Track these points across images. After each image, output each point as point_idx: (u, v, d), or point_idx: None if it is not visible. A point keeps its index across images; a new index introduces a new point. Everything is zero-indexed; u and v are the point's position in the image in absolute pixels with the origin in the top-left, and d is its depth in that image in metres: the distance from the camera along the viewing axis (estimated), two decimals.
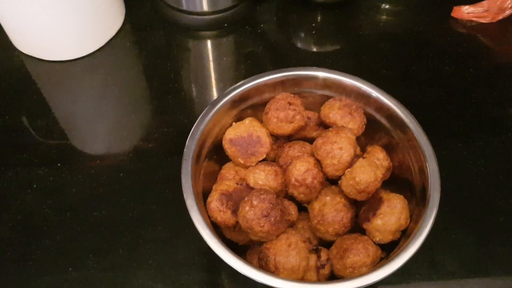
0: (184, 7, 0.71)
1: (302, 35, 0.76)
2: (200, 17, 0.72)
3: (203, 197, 0.47)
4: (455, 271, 0.53)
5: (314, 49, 0.74)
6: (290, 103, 0.49)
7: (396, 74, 0.69)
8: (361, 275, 0.41)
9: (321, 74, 0.52)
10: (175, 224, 0.55)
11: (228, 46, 0.74)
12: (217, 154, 0.51)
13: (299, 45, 0.75)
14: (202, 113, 0.49)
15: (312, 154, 0.48)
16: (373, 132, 0.52)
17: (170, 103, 0.66)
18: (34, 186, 0.59)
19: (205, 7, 0.72)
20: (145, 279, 0.52)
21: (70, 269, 0.53)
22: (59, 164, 0.60)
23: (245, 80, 0.51)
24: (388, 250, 0.45)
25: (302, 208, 0.49)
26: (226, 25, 0.74)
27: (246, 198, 0.44)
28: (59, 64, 0.70)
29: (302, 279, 0.45)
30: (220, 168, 0.52)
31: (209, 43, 0.74)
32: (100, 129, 0.64)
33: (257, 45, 0.73)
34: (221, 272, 0.54)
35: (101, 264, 0.53)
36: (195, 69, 0.72)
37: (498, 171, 0.60)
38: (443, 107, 0.65)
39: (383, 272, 0.40)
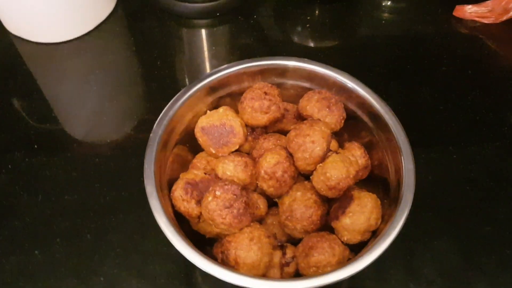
0: None
1: (299, 29, 0.73)
2: (192, 5, 0.70)
3: (170, 185, 0.46)
4: (434, 279, 0.50)
5: (307, 44, 0.72)
6: (266, 93, 0.47)
7: (390, 72, 0.66)
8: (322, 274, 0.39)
9: (303, 65, 0.50)
10: (146, 214, 0.53)
11: (220, 36, 0.72)
12: (190, 143, 0.49)
13: (292, 38, 0.73)
14: (173, 99, 0.47)
15: (285, 147, 0.46)
16: (357, 130, 0.49)
17: (153, 90, 0.65)
18: (9, 167, 0.57)
19: None
20: (110, 266, 0.51)
21: (36, 251, 0.52)
22: (35, 146, 0.59)
23: (223, 66, 0.50)
24: (357, 251, 0.42)
25: (274, 203, 0.47)
26: (218, 14, 0.72)
27: (210, 188, 0.42)
28: (48, 46, 0.69)
29: (263, 276, 0.43)
30: (193, 158, 0.50)
31: (200, 32, 0.72)
32: (81, 113, 0.62)
33: (250, 36, 0.71)
34: (187, 263, 0.52)
35: (68, 248, 0.52)
36: (184, 58, 0.70)
37: (489, 178, 0.57)
38: (436, 108, 0.63)
39: (343, 272, 0.38)
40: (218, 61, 0.69)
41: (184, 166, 0.49)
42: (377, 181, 0.47)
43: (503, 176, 0.57)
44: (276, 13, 0.75)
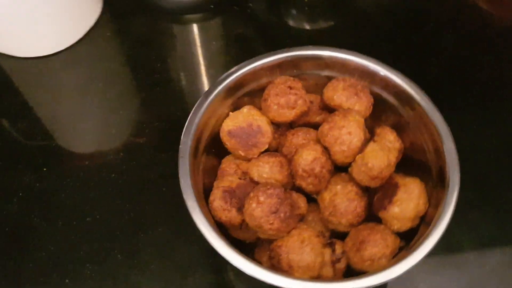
0: None
1: (294, 12, 0.71)
2: None
3: (204, 195, 0.44)
4: (473, 252, 0.50)
5: (308, 27, 0.70)
6: (290, 87, 0.45)
7: (396, 47, 0.65)
8: (381, 267, 0.38)
9: (321, 53, 0.48)
10: (175, 224, 0.52)
11: (216, 29, 0.69)
12: (216, 148, 0.47)
13: (291, 23, 0.71)
14: (196, 105, 0.45)
15: (318, 141, 0.44)
16: (379, 112, 0.48)
17: (159, 95, 0.62)
18: (20, 194, 0.54)
19: None
20: (148, 285, 0.49)
21: (66, 281, 0.49)
22: (45, 169, 0.56)
23: (239, 65, 0.47)
24: (406, 237, 0.42)
25: (311, 199, 0.46)
26: (212, 6, 0.69)
27: (251, 194, 0.41)
28: (37, 61, 0.65)
29: (318, 276, 0.42)
30: (220, 163, 0.48)
31: (195, 27, 0.69)
32: (87, 127, 0.59)
33: (247, 26, 0.69)
34: (229, 271, 0.51)
35: (99, 273, 0.50)
36: (183, 57, 0.67)
37: (509, 142, 0.57)
38: (448, 79, 0.62)
39: (407, 263, 0.37)
40: (219, 56, 0.66)
41: (213, 173, 0.47)
42: (413, 164, 0.46)
43: None
44: None
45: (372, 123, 0.49)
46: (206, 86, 0.64)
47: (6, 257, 0.51)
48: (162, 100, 0.62)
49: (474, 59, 0.65)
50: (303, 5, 0.71)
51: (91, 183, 0.55)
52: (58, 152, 0.58)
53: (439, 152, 0.43)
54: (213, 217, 0.42)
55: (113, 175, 0.55)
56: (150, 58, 0.65)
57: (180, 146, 0.43)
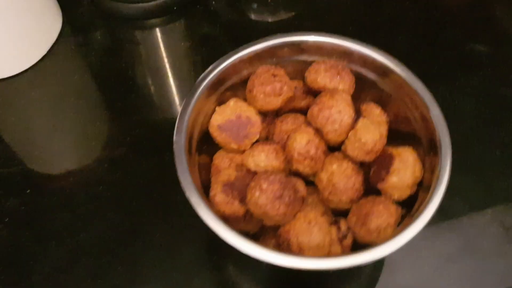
0: None
1: (255, 6, 0.72)
2: (145, 4, 0.66)
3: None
4: (465, 215, 0.52)
5: (270, 19, 0.71)
6: (274, 75, 0.46)
7: (362, 29, 0.67)
8: (388, 237, 0.40)
9: (299, 38, 0.48)
10: (173, 227, 0.51)
11: (182, 30, 0.69)
12: (207, 145, 0.47)
13: (253, 17, 0.71)
14: (183, 104, 0.44)
15: (309, 124, 0.45)
16: (361, 89, 0.49)
17: (135, 102, 0.61)
18: (6, 220, 0.52)
19: None
20: None
21: None
22: (28, 191, 0.54)
23: (219, 60, 0.47)
24: (406, 205, 0.43)
25: (308, 182, 0.46)
26: (175, 8, 0.69)
27: (252, 184, 0.41)
28: (1, 83, 0.63)
29: (328, 254, 0.42)
30: (212, 160, 0.48)
31: (160, 31, 0.69)
32: (65, 144, 0.58)
33: (212, 24, 0.69)
34: (234, 267, 0.50)
35: (101, 286, 0.49)
36: (152, 61, 0.66)
37: (484, 106, 0.59)
38: (415, 53, 0.64)
39: (413, 229, 0.38)
40: (189, 57, 0.66)
41: (207, 171, 0.47)
42: (401, 135, 0.47)
43: (497, 102, 0.60)
44: None
45: (355, 102, 0.50)
46: (179, 88, 0.64)
47: (1, 285, 0.49)
48: (139, 107, 0.61)
49: (433, 32, 0.67)
50: None
51: (79, 199, 0.53)
52: (39, 173, 0.56)
53: (425, 119, 0.44)
54: (216, 211, 0.42)
55: (101, 187, 0.54)
56: (119, 66, 0.64)
57: (174, 146, 0.42)
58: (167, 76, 0.64)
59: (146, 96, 0.62)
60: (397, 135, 0.48)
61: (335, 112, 0.42)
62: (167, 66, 0.65)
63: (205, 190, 0.44)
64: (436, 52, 0.65)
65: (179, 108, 0.61)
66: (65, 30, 0.67)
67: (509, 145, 0.56)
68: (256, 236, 0.46)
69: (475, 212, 0.52)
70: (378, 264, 0.50)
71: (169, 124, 0.60)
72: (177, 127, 0.43)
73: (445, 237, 0.51)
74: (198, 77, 0.46)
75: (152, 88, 0.63)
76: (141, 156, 0.56)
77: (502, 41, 0.67)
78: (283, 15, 0.71)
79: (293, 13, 0.71)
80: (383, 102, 0.48)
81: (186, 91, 0.62)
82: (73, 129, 0.59)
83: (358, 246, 0.43)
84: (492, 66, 0.63)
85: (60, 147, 0.58)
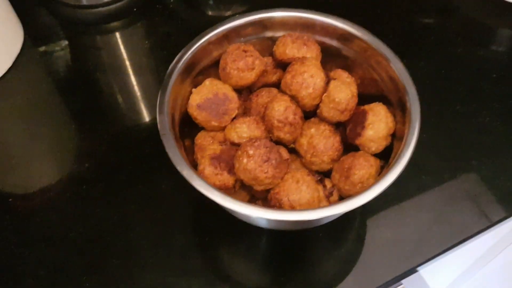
0: (84, 2, 0.67)
1: (211, 2, 0.74)
2: (104, 8, 0.68)
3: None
4: (440, 164, 0.55)
5: (226, 13, 0.73)
6: (245, 51, 0.48)
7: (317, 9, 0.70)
8: (373, 184, 0.42)
9: (260, 16, 0.51)
10: (162, 214, 0.52)
11: (144, 31, 0.70)
12: (187, 128, 0.48)
13: (210, 13, 0.73)
14: (162, 86, 0.46)
15: (284, 93, 0.47)
16: (327, 58, 0.52)
17: (106, 103, 0.62)
18: None
19: None
20: (152, 277, 0.48)
21: None
22: (10, 200, 0.53)
23: (188, 44, 0.49)
24: (383, 157, 0.46)
25: (289, 150, 0.49)
26: (135, 9, 0.70)
27: (239, 152, 0.43)
28: None
29: None
30: (193, 142, 0.50)
31: (122, 33, 0.69)
32: (41, 149, 0.58)
33: (173, 22, 0.70)
34: (225, 245, 0.51)
35: (100, 282, 0.48)
36: (116, 63, 0.67)
37: (439, 67, 0.64)
38: (367, 24, 0.67)
39: (392, 175, 0.41)
40: (153, 55, 0.67)
41: (191, 153, 0.48)
42: (369, 97, 0.50)
43: (451, 61, 0.64)
44: None
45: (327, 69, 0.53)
46: (145, 85, 0.65)
47: None
48: (110, 107, 0.62)
49: (383, 7, 0.71)
50: None
51: (64, 200, 0.53)
52: (20, 179, 0.56)
53: (391, 77, 0.47)
54: None
55: (84, 186, 0.54)
56: (84, 72, 0.65)
57: (158, 126, 0.43)
58: (132, 76, 0.65)
59: (114, 97, 0.63)
60: (366, 97, 0.50)
61: (308, 77, 0.45)
62: (131, 67, 0.66)
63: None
64: (389, 23, 0.69)
65: (148, 105, 0.62)
66: (27, 42, 0.67)
67: (468, 98, 0.60)
68: None
69: (445, 162, 0.55)
70: (363, 222, 0.52)
71: (141, 120, 0.61)
72: (159, 107, 0.45)
73: (421, 187, 0.54)
74: (163, 74, 0.47)
75: (118, 89, 0.64)
76: (120, 152, 0.57)
77: (446, 9, 0.72)
78: (239, 8, 0.74)
79: (247, 6, 0.74)
80: (349, 67, 0.51)
81: (152, 88, 0.64)
82: (47, 134, 0.59)
83: None
84: (441, 31, 0.68)
85: (37, 153, 0.57)
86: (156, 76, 0.66)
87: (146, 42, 0.68)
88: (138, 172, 0.55)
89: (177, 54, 0.49)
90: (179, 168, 0.41)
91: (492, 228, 0.52)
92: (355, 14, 0.70)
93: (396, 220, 0.52)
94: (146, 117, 0.61)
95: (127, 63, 0.67)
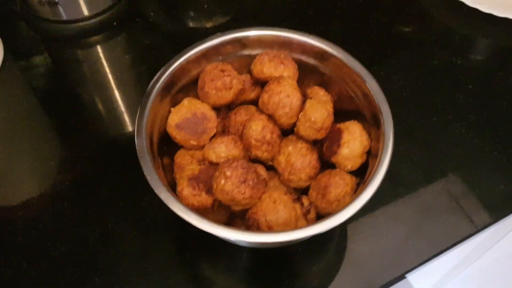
0: (64, 17, 0.67)
1: (192, 14, 0.74)
2: (84, 23, 0.68)
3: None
4: (414, 177, 0.56)
5: (208, 25, 0.74)
6: (222, 70, 0.48)
7: (297, 23, 0.71)
8: (348, 204, 0.43)
9: (238, 34, 0.51)
10: (143, 231, 0.53)
11: (125, 45, 0.70)
12: (166, 146, 0.49)
13: (191, 24, 0.74)
14: (140, 107, 0.46)
15: (261, 112, 0.48)
16: (304, 75, 0.53)
17: (86, 118, 0.62)
18: None
19: (86, 12, 0.68)
20: None
21: None
22: None
23: (167, 64, 0.50)
24: (359, 174, 0.46)
25: (267, 168, 0.49)
26: (115, 23, 0.70)
27: (217, 173, 0.43)
28: None
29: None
30: (173, 160, 0.50)
31: (103, 47, 0.70)
32: (23, 167, 0.58)
33: (153, 35, 0.71)
34: (204, 263, 0.52)
35: None
36: (97, 77, 0.67)
37: (415, 79, 0.64)
38: (348, 38, 0.69)
39: (367, 193, 0.42)
40: (134, 69, 0.67)
41: (170, 171, 0.49)
42: (344, 113, 0.51)
43: (427, 73, 0.65)
44: (167, 5, 0.75)
45: (300, 87, 0.53)
46: (127, 99, 0.65)
47: None
48: (90, 122, 0.62)
49: (361, 18, 0.72)
50: (199, 5, 0.75)
51: (46, 219, 0.54)
52: (1, 196, 0.56)
53: (366, 95, 0.48)
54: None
55: (66, 204, 0.55)
56: (66, 86, 0.65)
57: (136, 148, 0.44)
58: (114, 90, 0.65)
59: (96, 111, 0.63)
60: (342, 114, 0.51)
61: (284, 97, 0.46)
62: (112, 80, 0.66)
63: (171, 189, 0.45)
64: (366, 36, 0.70)
65: (130, 118, 0.62)
66: (8, 57, 0.67)
67: (443, 110, 0.61)
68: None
69: (421, 174, 0.57)
70: (342, 236, 0.53)
71: (123, 134, 0.62)
72: (137, 129, 0.45)
73: (398, 201, 0.55)
74: (145, 87, 0.48)
75: (100, 103, 0.64)
76: (101, 168, 0.57)
77: (422, 19, 0.73)
78: (220, 19, 0.74)
79: (229, 17, 0.74)
80: (325, 84, 0.52)
81: (134, 101, 0.64)
82: (29, 151, 0.59)
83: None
84: (418, 42, 0.69)
85: (19, 170, 0.58)
86: (138, 88, 0.66)
87: (126, 57, 0.69)
88: (118, 188, 0.56)
89: (158, 66, 0.49)
90: (156, 191, 0.42)
91: (465, 241, 0.54)
92: (334, 24, 0.71)
93: (374, 233, 0.53)
94: (128, 131, 0.61)
95: (108, 76, 0.67)
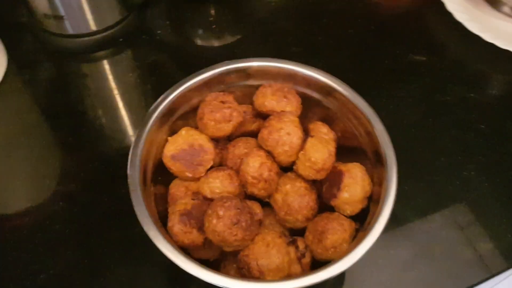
0: (70, 31, 0.66)
1: (201, 31, 0.73)
2: (90, 38, 0.67)
3: (161, 222, 0.44)
4: (417, 221, 0.54)
5: (216, 44, 0.72)
6: (223, 102, 0.47)
7: (306, 48, 0.69)
8: (344, 252, 0.41)
9: (242, 65, 0.50)
10: (133, 260, 0.51)
11: (130, 61, 0.69)
12: (162, 176, 0.47)
13: (199, 42, 0.72)
14: (135, 137, 0.45)
15: (260, 147, 0.46)
16: (307, 109, 0.51)
17: (86, 137, 0.61)
18: None
19: (93, 27, 0.67)
20: None
21: None
22: None
23: (168, 91, 0.48)
24: (359, 218, 0.44)
25: (263, 203, 0.47)
26: (121, 39, 0.69)
27: (209, 211, 0.42)
28: None
29: (288, 275, 0.43)
30: (167, 189, 0.49)
31: (108, 63, 0.69)
32: (18, 183, 0.57)
33: (159, 52, 0.69)
34: None
35: None
36: (100, 95, 0.66)
37: (426, 115, 0.62)
38: (357, 68, 0.67)
39: (366, 243, 0.40)
40: (138, 87, 0.66)
41: (164, 201, 0.47)
42: (348, 150, 0.49)
43: (438, 109, 0.63)
44: (176, 22, 0.74)
45: (302, 121, 0.51)
46: (129, 120, 0.64)
47: None
48: (90, 141, 0.61)
49: (373, 46, 0.70)
50: (208, 23, 0.73)
51: (36, 239, 0.52)
52: None
53: (370, 134, 0.46)
54: (175, 242, 0.43)
55: (57, 226, 0.53)
56: (68, 101, 0.64)
57: (128, 180, 0.42)
58: (118, 108, 0.64)
59: (97, 129, 0.62)
60: (345, 150, 0.49)
61: (284, 134, 0.44)
62: (117, 97, 0.65)
63: (163, 220, 0.44)
64: (377, 65, 0.68)
65: (131, 139, 0.61)
66: (11, 69, 0.66)
67: (453, 150, 0.59)
68: (217, 262, 0.47)
69: (427, 218, 0.54)
70: (339, 277, 0.51)
71: (122, 156, 0.59)
72: (131, 160, 0.44)
73: (400, 245, 0.52)
74: (149, 106, 0.47)
75: (103, 120, 0.63)
76: (96, 191, 0.56)
77: (437, 51, 0.70)
78: (229, 39, 0.73)
79: (238, 37, 0.73)
80: (329, 119, 0.50)
81: (138, 122, 0.63)
82: (25, 168, 0.58)
83: (317, 263, 0.45)
84: (430, 75, 0.67)
85: (13, 187, 0.57)
86: (142, 106, 0.65)
87: (130, 74, 0.67)
88: (111, 213, 0.54)
89: (164, 85, 0.48)
90: (145, 228, 0.40)
91: None
92: (344, 51, 0.69)
93: (372, 278, 0.51)
94: (128, 152, 0.60)
95: (113, 92, 0.66)
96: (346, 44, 0.71)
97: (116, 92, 0.66)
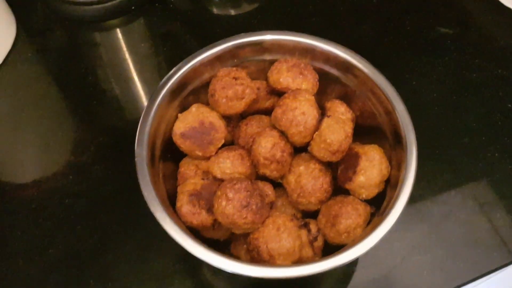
0: None
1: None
2: (102, 5, 0.64)
3: (169, 201, 0.42)
4: (435, 202, 0.52)
5: (233, 12, 0.69)
6: (235, 78, 0.44)
7: (327, 19, 0.66)
8: (357, 237, 0.40)
9: (258, 38, 0.47)
10: (143, 237, 0.50)
11: (142, 31, 0.67)
12: (171, 153, 0.46)
13: (215, 11, 0.70)
14: (143, 113, 0.43)
15: (273, 126, 0.44)
16: (325, 86, 0.48)
17: (96, 109, 0.59)
18: None
19: None
20: None
21: None
22: None
23: (179, 65, 0.46)
24: (375, 202, 0.43)
25: (276, 184, 0.46)
26: (133, 8, 0.67)
27: (219, 193, 0.40)
28: None
29: (299, 259, 0.42)
30: (178, 167, 0.47)
31: (119, 32, 0.67)
32: (26, 157, 0.56)
33: (173, 22, 0.67)
34: (206, 272, 0.50)
35: None
36: (113, 64, 0.64)
37: (450, 92, 0.59)
38: (380, 41, 0.64)
39: (382, 229, 0.38)
40: (151, 58, 0.64)
41: (174, 178, 0.46)
42: (367, 130, 0.47)
43: (463, 87, 0.60)
44: None
45: (320, 98, 0.49)
46: (142, 91, 0.62)
47: None
48: (101, 113, 0.59)
49: (397, 18, 0.67)
50: None
51: (45, 213, 0.52)
52: (3, 184, 0.54)
53: (390, 114, 0.44)
54: (183, 223, 0.41)
55: (67, 200, 0.53)
56: (79, 72, 0.62)
57: (135, 158, 0.41)
58: (130, 78, 0.63)
59: (109, 101, 0.60)
60: (363, 130, 0.47)
61: (299, 114, 0.42)
62: (130, 67, 0.64)
63: (172, 199, 0.43)
64: (400, 39, 0.64)
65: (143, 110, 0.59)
66: (20, 37, 0.65)
67: (477, 130, 0.56)
68: (228, 242, 0.46)
69: (446, 200, 0.52)
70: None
71: (134, 129, 0.58)
72: (138, 139, 0.42)
73: (417, 228, 0.51)
74: (161, 78, 0.45)
75: (115, 92, 0.61)
76: (106, 165, 0.55)
77: (466, 24, 0.67)
78: (246, 8, 0.70)
79: (256, 5, 0.70)
80: (348, 98, 0.48)
81: (150, 94, 0.61)
82: (35, 139, 0.57)
83: (329, 247, 0.43)
84: (457, 50, 0.63)
85: (23, 159, 0.56)
86: (155, 76, 0.63)
87: (143, 44, 0.65)
88: (122, 188, 0.53)
89: (175, 57, 0.46)
90: (152, 209, 0.39)
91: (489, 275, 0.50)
92: (367, 23, 0.66)
93: (387, 260, 0.49)
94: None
95: (125, 62, 0.65)
96: (368, 15, 0.67)
97: (127, 62, 0.64)
